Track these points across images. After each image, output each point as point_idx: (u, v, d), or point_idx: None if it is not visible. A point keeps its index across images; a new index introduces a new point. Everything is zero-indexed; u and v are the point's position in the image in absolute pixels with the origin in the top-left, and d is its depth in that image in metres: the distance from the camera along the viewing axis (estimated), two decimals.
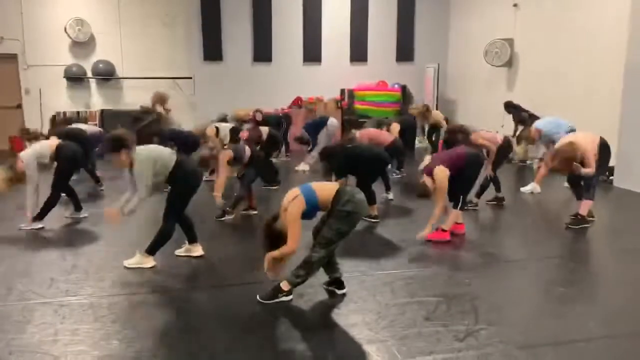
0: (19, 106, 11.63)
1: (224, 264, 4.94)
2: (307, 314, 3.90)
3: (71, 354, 3.28)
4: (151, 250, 4.73)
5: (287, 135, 10.57)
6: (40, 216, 5.94)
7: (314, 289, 4.26)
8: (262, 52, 12.67)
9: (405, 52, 13.48)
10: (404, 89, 12.89)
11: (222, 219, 6.35)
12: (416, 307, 3.94)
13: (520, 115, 9.94)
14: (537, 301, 4.18)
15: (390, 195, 7.35)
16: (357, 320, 3.74)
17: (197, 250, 5.05)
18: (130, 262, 4.74)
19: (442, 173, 5.30)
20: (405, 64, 13.43)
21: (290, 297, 4.03)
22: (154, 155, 4.58)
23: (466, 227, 5.80)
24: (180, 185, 4.69)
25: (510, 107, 10.21)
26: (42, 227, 5.94)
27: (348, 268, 4.72)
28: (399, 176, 8.83)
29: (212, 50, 12.40)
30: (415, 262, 4.98)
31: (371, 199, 5.96)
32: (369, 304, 4.02)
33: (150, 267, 4.71)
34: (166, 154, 4.68)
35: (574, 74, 9.50)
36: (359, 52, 13.18)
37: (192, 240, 5.05)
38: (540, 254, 5.30)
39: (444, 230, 5.49)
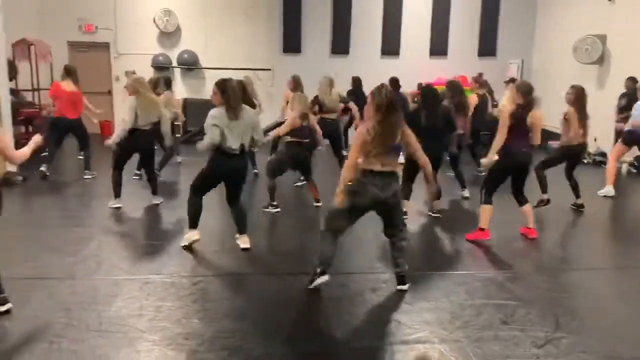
0: (109, 92, 12.31)
1: (298, 253, 5.02)
2: (378, 309, 3.90)
3: (155, 329, 3.46)
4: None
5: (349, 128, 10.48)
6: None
7: (387, 285, 4.25)
8: (340, 44, 12.69)
9: (487, 46, 13.05)
10: (485, 84, 12.47)
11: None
12: (492, 309, 3.83)
13: None
14: (621, 311, 3.95)
15: (466, 193, 7.16)
16: (431, 319, 3.70)
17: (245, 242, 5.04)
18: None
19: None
20: (487, 59, 13.00)
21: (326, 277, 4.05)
22: None
23: (545, 231, 5.57)
24: None
25: None
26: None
27: (420, 266, 4.68)
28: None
29: (292, 42, 12.56)
30: (492, 263, 4.85)
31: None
32: (443, 303, 3.96)
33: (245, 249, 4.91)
34: None
35: None
36: (439, 46, 12.90)
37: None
38: (623, 262, 5.02)
39: (482, 230, 5.29)
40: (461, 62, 12.69)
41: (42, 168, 7.67)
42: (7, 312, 3.57)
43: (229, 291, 4.18)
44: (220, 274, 4.48)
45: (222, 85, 4.65)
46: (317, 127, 6.43)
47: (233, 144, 4.65)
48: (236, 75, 9.58)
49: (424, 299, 4.01)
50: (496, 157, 5.15)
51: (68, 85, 7.76)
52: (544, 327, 3.56)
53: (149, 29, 12.12)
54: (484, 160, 5.34)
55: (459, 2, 12.80)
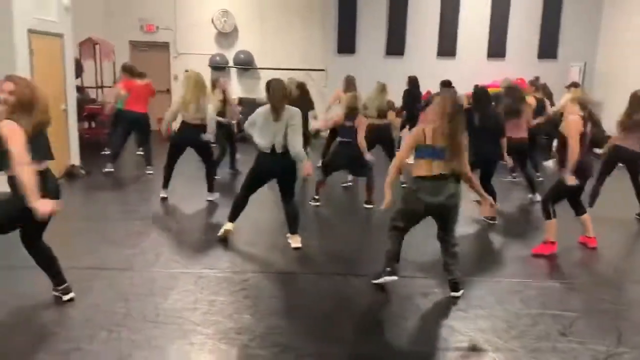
0: (168, 91, 12.67)
1: (348, 255, 5.01)
2: (430, 313, 3.84)
3: (208, 323, 3.53)
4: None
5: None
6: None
7: (439, 289, 4.19)
8: (395, 45, 12.60)
9: (548, 48, 12.63)
10: (544, 88, 12.09)
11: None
12: (550, 320, 3.71)
13: None
14: None
15: (538, 197, 6.92)
16: (485, 327, 3.61)
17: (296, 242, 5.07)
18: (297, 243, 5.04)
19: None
20: (547, 61, 12.59)
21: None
22: None
23: (606, 241, 5.32)
24: None
25: None
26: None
27: (474, 272, 4.58)
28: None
29: (346, 43, 12.57)
30: (549, 272, 4.69)
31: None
32: (497, 311, 3.86)
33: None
34: None
35: None
36: (497, 48, 12.60)
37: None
38: None
39: (552, 243, 5.04)
40: (520, 65, 12.35)
41: (108, 169, 7.90)
42: (71, 300, 3.73)
43: (280, 289, 4.22)
44: (272, 271, 4.53)
45: (267, 85, 4.77)
46: (362, 130, 6.35)
47: (262, 142, 4.73)
48: (290, 75, 9.74)
49: (478, 306, 3.92)
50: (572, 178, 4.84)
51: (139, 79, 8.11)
52: (605, 341, 3.42)
53: (207, 30, 12.40)
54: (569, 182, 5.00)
55: (519, 1, 12.46)
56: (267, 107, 4.74)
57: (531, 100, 8.02)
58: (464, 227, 5.83)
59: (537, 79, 9.68)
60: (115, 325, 3.45)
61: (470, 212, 6.31)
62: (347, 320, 3.70)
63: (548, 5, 12.50)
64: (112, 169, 7.95)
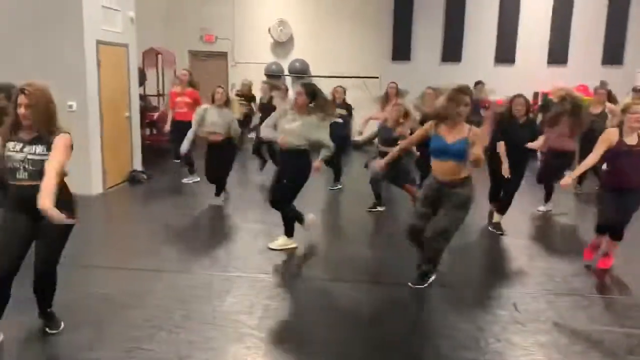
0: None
1: (402, 262, 4.95)
2: (488, 326, 3.73)
3: (264, 328, 3.58)
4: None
5: None
6: None
7: (497, 301, 4.08)
8: (452, 51, 12.42)
9: (613, 54, 12.11)
10: (609, 95, 11.60)
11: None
12: (617, 337, 3.54)
13: None
14: None
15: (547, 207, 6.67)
16: (545, 341, 3.49)
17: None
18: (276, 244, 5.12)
19: None
20: (612, 67, 12.07)
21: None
22: None
23: None
24: None
25: None
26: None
27: (535, 285, 4.43)
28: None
29: (401, 50, 12.49)
30: (614, 287, 4.48)
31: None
32: (560, 326, 3.72)
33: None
34: None
35: None
36: (558, 53, 12.19)
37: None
38: None
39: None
40: (582, 71, 11.89)
41: (189, 180, 7.96)
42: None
43: (334, 294, 4.22)
44: (328, 279, 4.54)
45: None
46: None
47: None
48: (343, 83, 9.77)
49: (537, 320, 3.79)
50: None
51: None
52: None
53: (263, 39, 12.64)
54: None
55: (582, 6, 12.02)
56: None
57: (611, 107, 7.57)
58: (526, 240, 5.68)
59: (603, 84, 9.23)
60: (174, 326, 3.55)
61: (541, 224, 6.14)
62: (405, 329, 3.66)
63: (613, 9, 12.00)
64: (197, 179, 7.88)
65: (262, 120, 7.48)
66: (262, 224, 5.78)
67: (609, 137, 4.53)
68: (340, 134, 8.05)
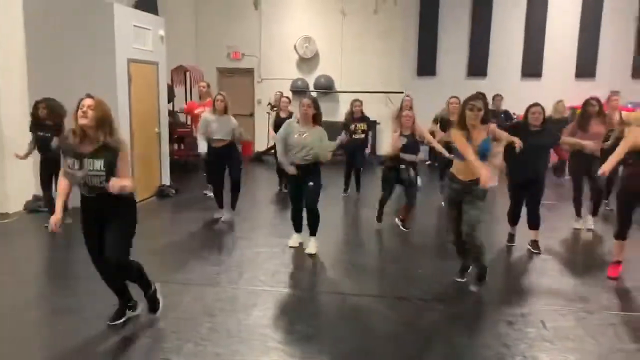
0: (251, 114, 13.16)
1: (429, 278, 4.94)
2: (515, 343, 3.69)
3: (289, 342, 3.61)
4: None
5: None
6: None
7: (525, 318, 4.03)
8: (478, 66, 12.38)
9: None
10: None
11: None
12: None
13: None
14: None
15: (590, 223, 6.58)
16: (573, 359, 3.43)
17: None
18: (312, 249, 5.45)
19: None
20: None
21: None
22: None
23: None
24: None
25: None
26: None
27: (563, 302, 4.37)
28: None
29: (426, 64, 12.52)
30: None
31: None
32: (588, 344, 3.65)
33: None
34: None
35: None
36: (586, 67, 12.05)
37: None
38: None
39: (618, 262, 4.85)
40: (611, 84, 11.72)
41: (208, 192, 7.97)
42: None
43: (359, 310, 4.22)
44: (353, 293, 4.54)
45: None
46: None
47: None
48: (368, 98, 9.84)
49: (566, 338, 3.74)
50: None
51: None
52: None
53: (289, 55, 12.81)
54: None
55: (611, 17, 11.88)
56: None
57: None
58: (553, 256, 5.61)
59: (614, 92, 9.05)
60: (201, 338, 3.60)
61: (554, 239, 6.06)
62: (428, 346, 3.64)
63: None
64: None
65: None
66: (288, 238, 5.82)
67: (635, 135, 4.54)
68: (359, 146, 8.17)
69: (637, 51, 11.92)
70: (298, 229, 5.69)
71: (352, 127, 8.14)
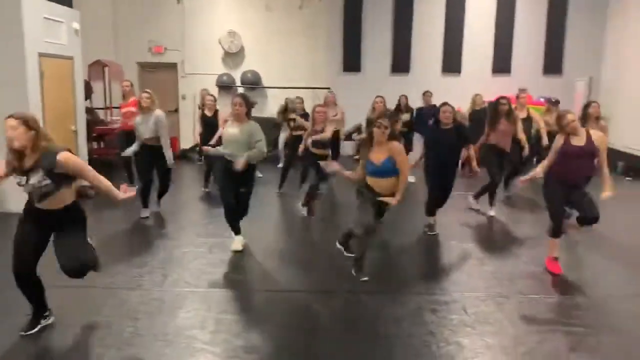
0: (176, 110, 12.81)
1: (328, 270, 5.01)
2: (439, 330, 3.82)
3: (217, 342, 3.55)
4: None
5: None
6: None
7: (448, 306, 4.18)
8: (401, 63, 12.70)
9: (553, 64, 12.68)
10: (549, 101, 12.13)
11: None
12: (560, 336, 3.69)
13: None
14: None
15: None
16: (493, 343, 3.60)
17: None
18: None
19: None
20: (553, 76, 12.63)
21: None
22: None
23: (618, 252, 5.25)
24: None
25: None
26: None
27: (484, 288, 4.58)
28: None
29: (352, 61, 12.68)
30: (556, 288, 4.66)
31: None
32: (506, 327, 3.85)
33: None
34: None
35: None
36: (502, 63, 12.66)
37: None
38: None
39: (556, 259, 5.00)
40: (525, 80, 12.38)
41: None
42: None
43: (288, 306, 4.22)
44: (279, 289, 4.54)
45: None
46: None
47: None
48: (295, 94, 9.86)
49: (486, 322, 3.92)
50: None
51: None
52: (615, 358, 3.39)
53: (214, 50, 12.57)
54: None
55: (523, 18, 12.55)
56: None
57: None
58: (473, 244, 5.85)
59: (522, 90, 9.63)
60: (124, 343, 3.47)
61: (485, 230, 6.33)
62: (356, 337, 3.70)
63: (552, 20, 12.57)
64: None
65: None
66: (214, 237, 5.73)
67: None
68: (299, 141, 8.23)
69: (547, 48, 12.66)
70: (238, 231, 5.46)
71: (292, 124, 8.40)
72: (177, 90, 12.83)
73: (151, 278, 4.65)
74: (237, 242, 5.40)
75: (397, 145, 4.60)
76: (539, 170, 4.90)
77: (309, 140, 6.65)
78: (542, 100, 11.97)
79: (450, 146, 5.83)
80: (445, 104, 5.89)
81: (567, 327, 3.83)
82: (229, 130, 5.23)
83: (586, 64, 12.50)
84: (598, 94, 12.38)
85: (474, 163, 6.17)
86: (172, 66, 12.76)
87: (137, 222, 6.50)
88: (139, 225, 6.40)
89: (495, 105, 6.89)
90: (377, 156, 4.56)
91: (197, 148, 9.69)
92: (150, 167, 6.54)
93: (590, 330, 3.78)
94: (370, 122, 7.51)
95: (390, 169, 4.54)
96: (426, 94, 10.51)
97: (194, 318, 3.88)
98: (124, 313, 3.93)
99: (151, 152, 6.40)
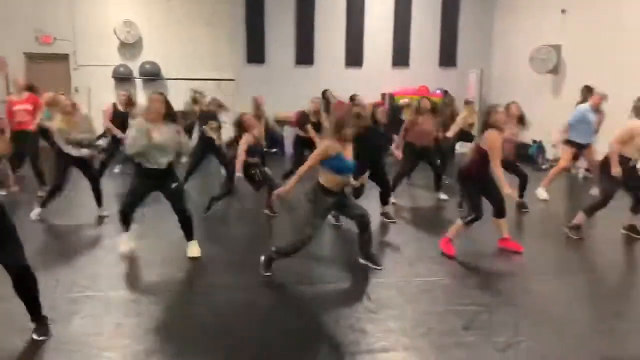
0: None
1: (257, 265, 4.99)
2: (343, 318, 3.90)
3: (115, 347, 3.38)
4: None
5: None
6: None
7: (352, 294, 4.28)
8: (305, 55, 12.78)
9: (448, 57, 13.35)
10: (445, 94, 12.78)
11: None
12: (454, 315, 3.90)
13: None
14: (579, 315, 4.06)
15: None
16: (395, 327, 3.73)
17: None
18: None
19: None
20: (448, 69, 13.30)
21: None
22: None
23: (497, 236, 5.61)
24: None
25: None
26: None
27: (385, 273, 4.73)
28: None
29: (255, 52, 12.58)
30: (453, 270, 4.92)
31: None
32: (407, 310, 4.01)
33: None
34: None
35: (624, 83, 9.20)
36: (401, 57, 13.13)
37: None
38: (581, 267, 5.18)
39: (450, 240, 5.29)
40: (423, 72, 12.94)
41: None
42: None
43: (190, 306, 4.12)
44: (181, 289, 4.42)
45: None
46: None
47: None
48: (198, 86, 9.61)
49: (388, 307, 4.05)
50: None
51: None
52: (504, 332, 3.64)
53: (109, 40, 11.95)
54: None
55: (419, 13, 13.07)
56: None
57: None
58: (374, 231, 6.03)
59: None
60: (12, 357, 3.22)
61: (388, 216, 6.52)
62: (258, 331, 3.68)
63: (446, 15, 13.21)
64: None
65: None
66: (110, 239, 5.46)
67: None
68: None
69: (442, 42, 13.28)
70: (128, 227, 5.07)
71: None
72: (70, 83, 12.07)
73: (43, 284, 4.30)
74: (126, 242, 5.08)
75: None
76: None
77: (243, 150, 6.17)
78: (438, 92, 12.56)
79: (377, 145, 6.13)
80: (380, 103, 6.20)
81: (462, 307, 4.05)
82: (147, 134, 4.65)
83: (478, 56, 13.28)
84: (489, 85, 13.21)
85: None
86: (64, 57, 11.97)
87: (24, 225, 6.03)
88: (27, 228, 5.95)
89: (419, 102, 7.32)
90: (349, 154, 4.48)
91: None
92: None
93: (482, 308, 4.03)
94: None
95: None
96: (327, 92, 10.47)
97: (90, 324, 3.68)
98: (10, 325, 3.64)
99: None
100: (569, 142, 7.51)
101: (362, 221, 4.66)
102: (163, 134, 4.72)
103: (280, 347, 3.46)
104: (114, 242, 5.33)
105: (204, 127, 7.75)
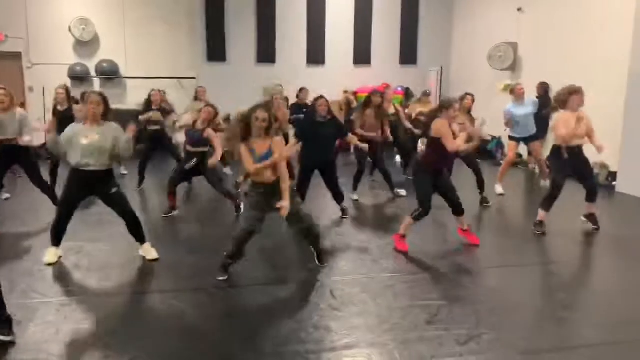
0: (23, 104, 11.60)
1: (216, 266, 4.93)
2: (308, 316, 3.89)
3: (72, 354, 3.28)
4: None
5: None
6: None
7: (317, 292, 4.28)
8: (266, 53, 12.69)
9: (408, 55, 13.49)
10: (406, 91, 12.91)
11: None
12: (418, 310, 3.93)
13: None
14: (537, 307, 4.15)
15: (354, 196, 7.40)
16: (359, 324, 3.74)
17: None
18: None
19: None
20: (409, 67, 13.44)
21: None
22: None
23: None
24: None
25: None
26: None
27: (349, 270, 4.75)
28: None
29: (216, 51, 12.42)
30: (416, 265, 4.97)
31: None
32: (370, 307, 4.02)
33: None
34: None
35: (578, 80, 9.45)
36: (362, 55, 13.19)
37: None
38: (539, 260, 5.31)
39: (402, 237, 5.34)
40: (384, 71, 13.03)
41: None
42: None
43: (146, 311, 4.03)
44: (143, 291, 4.34)
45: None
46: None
47: None
48: (158, 85, 9.42)
49: (352, 304, 4.06)
50: None
51: None
52: (466, 325, 3.69)
53: (64, 38, 11.60)
54: None
55: (379, 11, 13.16)
56: None
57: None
58: (335, 226, 6.04)
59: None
60: None
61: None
62: (222, 333, 3.64)
63: (406, 13, 13.34)
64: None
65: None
66: (67, 242, 5.29)
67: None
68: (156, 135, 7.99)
69: (403, 40, 13.41)
70: (59, 242, 4.89)
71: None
72: (23, 82, 11.66)
73: None
74: (53, 254, 4.84)
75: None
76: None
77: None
78: (399, 89, 12.67)
79: (327, 138, 6.14)
80: (320, 97, 6.16)
81: (425, 302, 4.10)
82: (84, 137, 4.55)
83: (437, 55, 13.46)
84: (449, 83, 13.40)
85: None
86: (16, 55, 11.55)
87: None
88: None
89: (369, 96, 7.37)
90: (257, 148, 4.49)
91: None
92: (5, 170, 6.29)
93: (444, 302, 4.08)
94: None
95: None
96: (303, 91, 10.36)
97: (45, 331, 3.55)
98: None
99: (7, 153, 6.04)
100: (509, 137, 8.09)
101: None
102: (107, 138, 4.60)
103: (240, 350, 3.42)
104: (71, 246, 5.17)
105: (140, 117, 7.88)
